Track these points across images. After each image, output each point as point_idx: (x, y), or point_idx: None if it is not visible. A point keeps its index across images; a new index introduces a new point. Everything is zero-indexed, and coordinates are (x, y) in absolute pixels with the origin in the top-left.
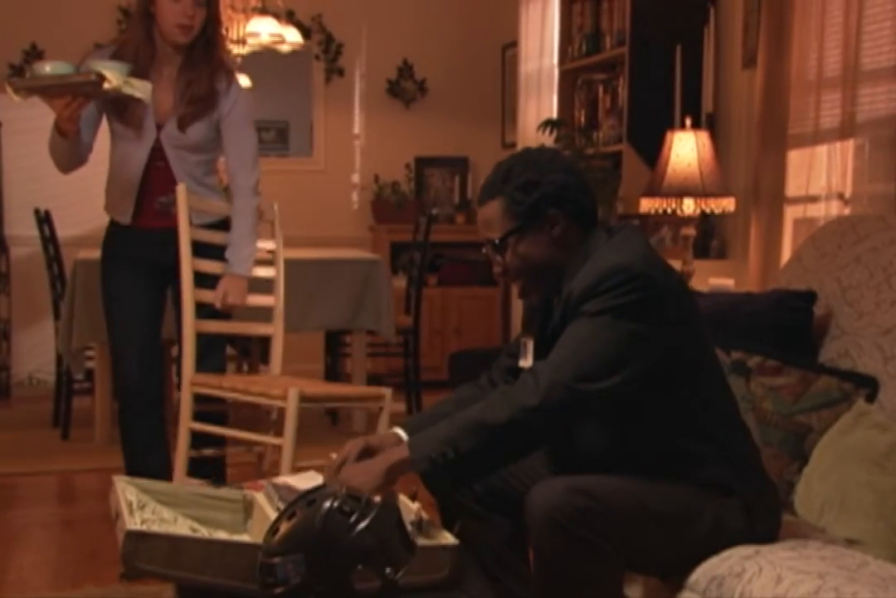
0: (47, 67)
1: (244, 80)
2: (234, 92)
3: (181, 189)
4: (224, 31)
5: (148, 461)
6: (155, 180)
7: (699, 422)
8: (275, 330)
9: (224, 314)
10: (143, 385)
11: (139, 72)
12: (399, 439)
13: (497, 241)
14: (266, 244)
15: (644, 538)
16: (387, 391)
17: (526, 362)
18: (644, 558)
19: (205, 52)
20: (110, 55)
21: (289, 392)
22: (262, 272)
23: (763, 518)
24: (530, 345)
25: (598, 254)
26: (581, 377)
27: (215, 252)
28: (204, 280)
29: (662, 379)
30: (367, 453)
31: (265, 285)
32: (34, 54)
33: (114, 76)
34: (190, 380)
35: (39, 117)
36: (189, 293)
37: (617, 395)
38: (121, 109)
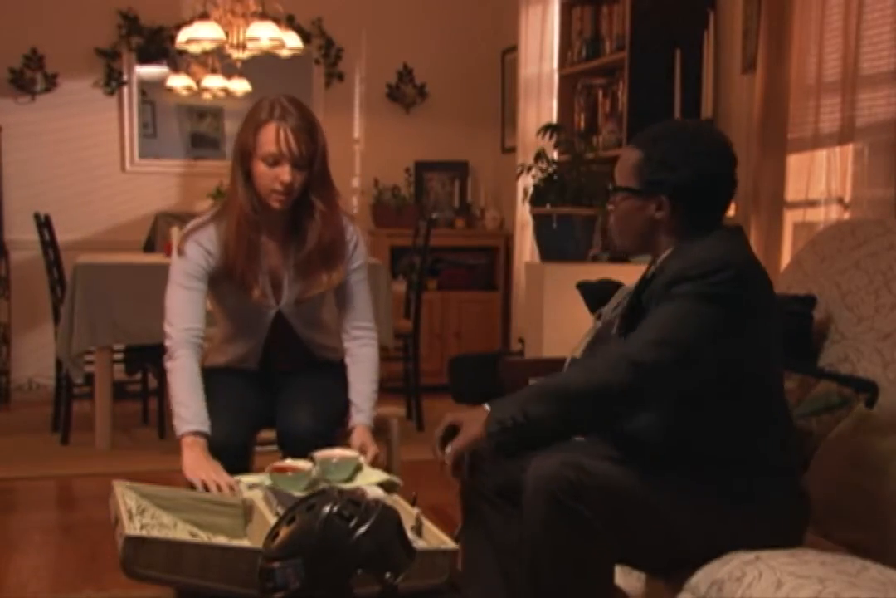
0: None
1: (244, 85)
2: (354, 244)
3: None
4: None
5: None
6: (279, 338)
7: (746, 430)
8: None
9: None
10: None
11: (247, 244)
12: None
13: (611, 187)
14: None
15: (638, 525)
16: (392, 422)
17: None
18: (638, 549)
19: (311, 214)
20: (214, 236)
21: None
22: None
23: (778, 532)
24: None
25: (697, 246)
26: (658, 358)
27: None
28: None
29: (728, 379)
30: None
31: None
32: (34, 59)
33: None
34: None
35: (39, 122)
36: None
37: (683, 380)
38: (237, 289)
